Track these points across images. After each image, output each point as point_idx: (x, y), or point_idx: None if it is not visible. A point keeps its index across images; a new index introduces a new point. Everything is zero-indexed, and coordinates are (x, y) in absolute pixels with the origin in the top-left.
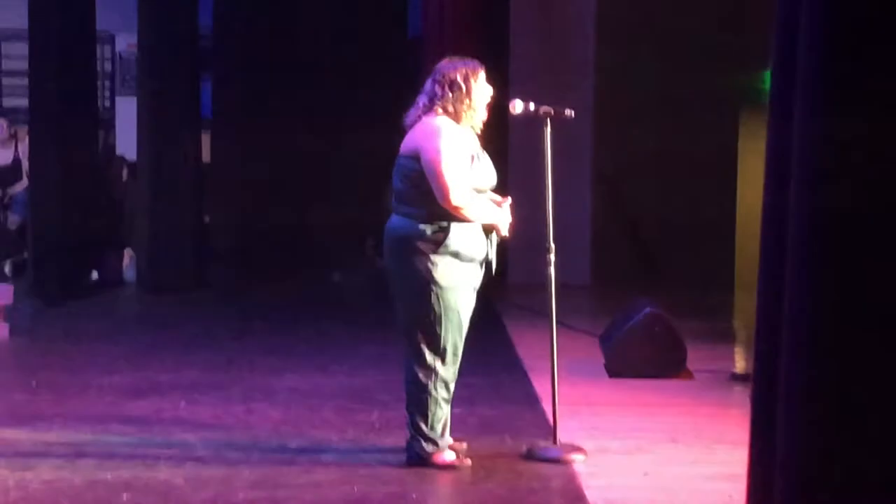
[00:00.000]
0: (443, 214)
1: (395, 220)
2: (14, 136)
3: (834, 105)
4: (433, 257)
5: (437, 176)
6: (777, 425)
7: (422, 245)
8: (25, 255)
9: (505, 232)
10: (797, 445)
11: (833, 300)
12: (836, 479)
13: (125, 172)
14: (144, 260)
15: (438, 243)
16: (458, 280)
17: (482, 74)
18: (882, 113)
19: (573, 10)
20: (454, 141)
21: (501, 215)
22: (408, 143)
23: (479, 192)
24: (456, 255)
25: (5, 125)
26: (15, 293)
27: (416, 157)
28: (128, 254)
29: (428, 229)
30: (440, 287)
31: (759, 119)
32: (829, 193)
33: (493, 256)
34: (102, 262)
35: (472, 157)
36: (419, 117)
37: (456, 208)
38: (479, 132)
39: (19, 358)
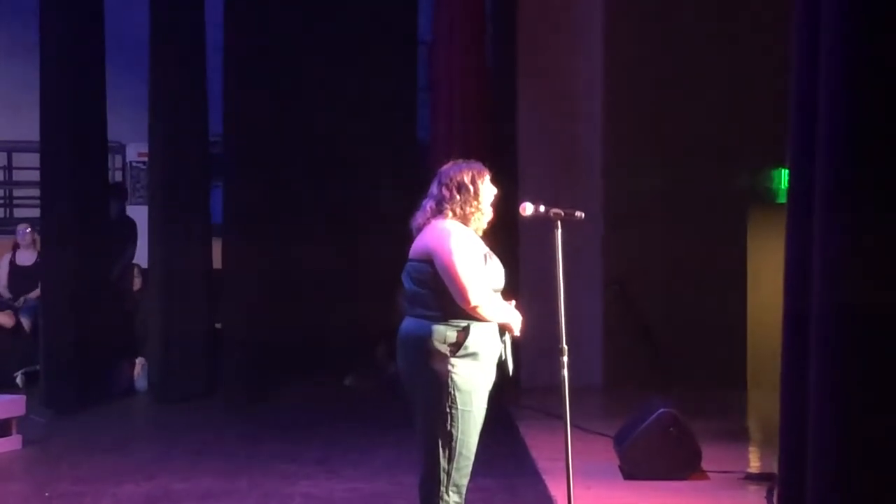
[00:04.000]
0: (459, 315)
1: (410, 323)
2: (35, 243)
3: (856, 205)
4: (452, 360)
5: (454, 277)
6: None
7: (440, 347)
8: (37, 366)
9: (517, 331)
10: None
11: (861, 397)
12: None
13: (136, 280)
14: (156, 368)
15: (458, 345)
16: (476, 382)
17: (488, 177)
18: None
19: (580, 111)
20: (467, 242)
21: (515, 314)
22: (419, 246)
23: (494, 291)
24: (475, 356)
25: (29, 231)
26: (27, 404)
27: (428, 261)
28: (139, 362)
29: (446, 331)
30: (458, 389)
31: (767, 217)
32: (852, 292)
33: (507, 356)
34: (114, 371)
35: (485, 257)
36: (428, 220)
37: (475, 308)
38: (482, 233)
39: (32, 469)
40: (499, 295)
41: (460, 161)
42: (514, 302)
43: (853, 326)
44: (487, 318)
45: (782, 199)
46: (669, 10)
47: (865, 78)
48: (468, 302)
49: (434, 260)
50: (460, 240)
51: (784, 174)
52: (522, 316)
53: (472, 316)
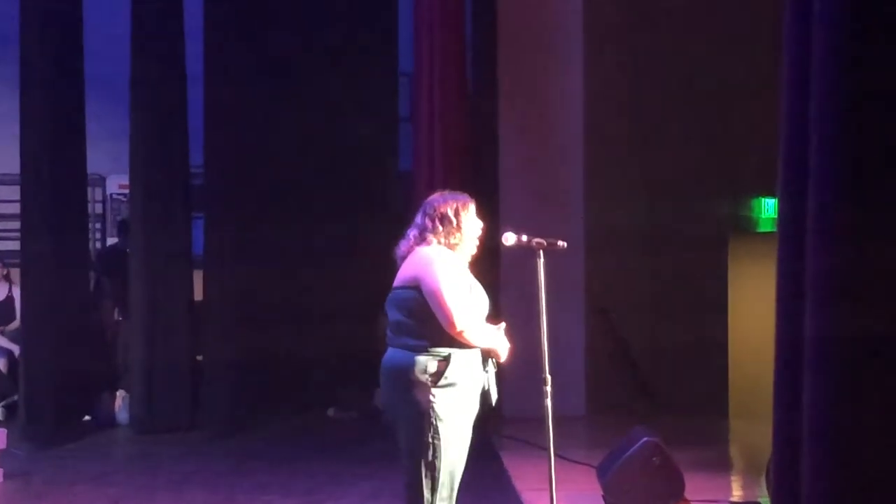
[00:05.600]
0: (443, 343)
1: (393, 353)
2: (7, 277)
3: (851, 232)
4: (434, 390)
5: (440, 301)
6: None
7: (421, 377)
8: (16, 397)
9: (504, 358)
10: None
11: (853, 427)
12: None
13: (116, 313)
14: (138, 400)
15: (439, 375)
16: (458, 412)
17: (472, 207)
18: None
19: (561, 140)
20: (453, 267)
21: (501, 340)
22: (404, 273)
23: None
24: (456, 386)
25: None
26: (7, 436)
27: (415, 287)
28: (120, 395)
29: (428, 361)
30: (440, 419)
31: (748, 246)
32: (846, 320)
33: (491, 386)
34: (95, 403)
35: (469, 287)
36: (411, 249)
37: (460, 333)
38: (468, 265)
39: (13, 503)
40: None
41: (446, 192)
42: (503, 324)
43: (847, 352)
44: (473, 343)
45: (763, 228)
46: (650, 40)
47: (857, 100)
48: (454, 326)
49: (421, 285)
50: (446, 265)
51: (764, 203)
52: (508, 342)
53: (458, 343)
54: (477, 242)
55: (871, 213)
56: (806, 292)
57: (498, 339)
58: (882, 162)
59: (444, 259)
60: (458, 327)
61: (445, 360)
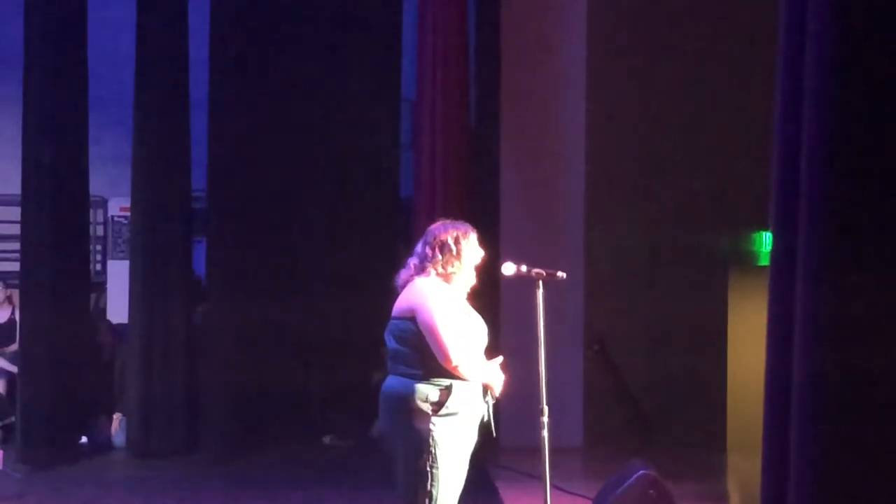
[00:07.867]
0: (441, 373)
1: (392, 381)
2: (10, 299)
3: (840, 266)
4: (434, 418)
5: (435, 335)
6: None
7: (422, 405)
8: (13, 418)
9: (498, 391)
10: None
11: (840, 459)
12: None
13: (114, 336)
14: (135, 424)
15: (440, 404)
16: (457, 441)
17: (473, 237)
18: (888, 272)
19: (563, 170)
20: (448, 300)
21: (496, 374)
22: (401, 304)
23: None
24: (456, 415)
25: (0, 287)
26: (3, 458)
27: (411, 318)
28: (117, 417)
29: (428, 389)
30: (439, 448)
31: (748, 280)
32: (834, 356)
33: (490, 417)
34: (92, 425)
35: (466, 316)
36: (411, 278)
37: (455, 368)
38: (467, 294)
39: None
40: (482, 354)
41: (448, 221)
42: (501, 358)
43: (835, 390)
44: (468, 377)
45: (763, 262)
46: (653, 69)
47: (847, 137)
48: (449, 361)
49: (416, 317)
50: (442, 298)
51: (765, 237)
52: (504, 375)
53: (454, 375)
54: (475, 273)
55: (861, 249)
56: (795, 326)
57: (493, 373)
58: (871, 198)
59: (439, 292)
60: (454, 362)
61: (447, 390)
